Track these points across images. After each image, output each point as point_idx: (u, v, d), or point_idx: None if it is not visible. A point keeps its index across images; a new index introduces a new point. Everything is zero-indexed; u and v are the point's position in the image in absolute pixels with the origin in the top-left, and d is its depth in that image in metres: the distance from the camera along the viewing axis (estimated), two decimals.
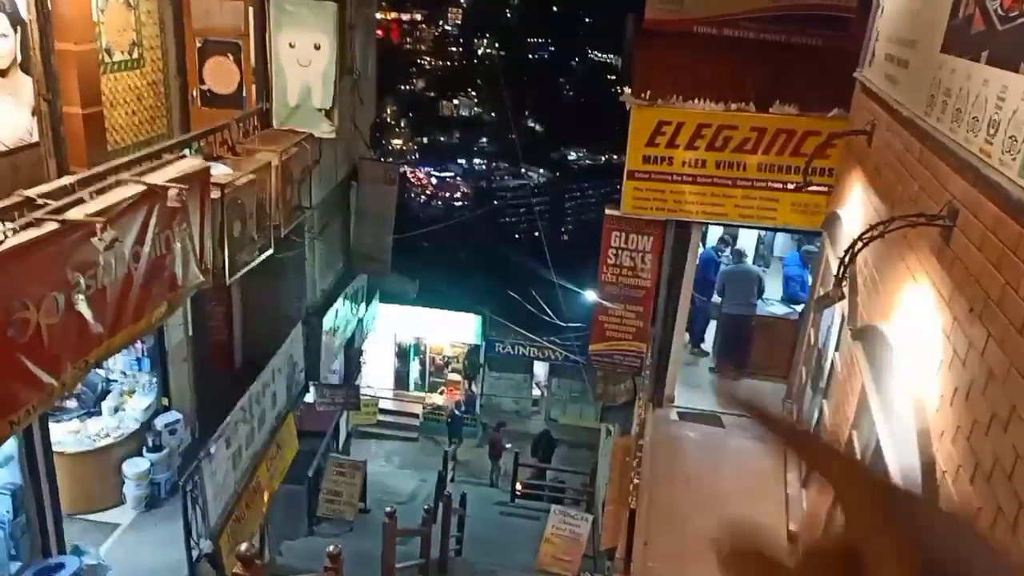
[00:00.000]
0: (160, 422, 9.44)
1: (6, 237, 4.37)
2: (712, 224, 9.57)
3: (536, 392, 20.63)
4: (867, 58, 6.23)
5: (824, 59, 7.39)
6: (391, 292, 16.66)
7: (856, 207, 5.60)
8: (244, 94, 8.41)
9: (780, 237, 11.69)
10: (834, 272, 4.10)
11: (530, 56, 56.99)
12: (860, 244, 3.50)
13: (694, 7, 8.29)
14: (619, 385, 11.69)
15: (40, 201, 4.78)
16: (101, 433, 8.92)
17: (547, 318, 17.35)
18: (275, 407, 10.41)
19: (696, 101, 7.79)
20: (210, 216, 6.45)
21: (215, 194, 6.49)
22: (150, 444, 9.31)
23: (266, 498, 10.54)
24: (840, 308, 5.35)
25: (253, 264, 7.50)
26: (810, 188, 6.77)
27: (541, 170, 49.82)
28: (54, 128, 6.33)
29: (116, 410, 9.29)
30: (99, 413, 9.13)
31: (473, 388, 19.65)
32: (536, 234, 41.06)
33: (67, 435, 8.57)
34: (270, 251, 7.80)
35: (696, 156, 7.94)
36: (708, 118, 7.78)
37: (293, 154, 7.92)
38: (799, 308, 9.52)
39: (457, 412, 18.36)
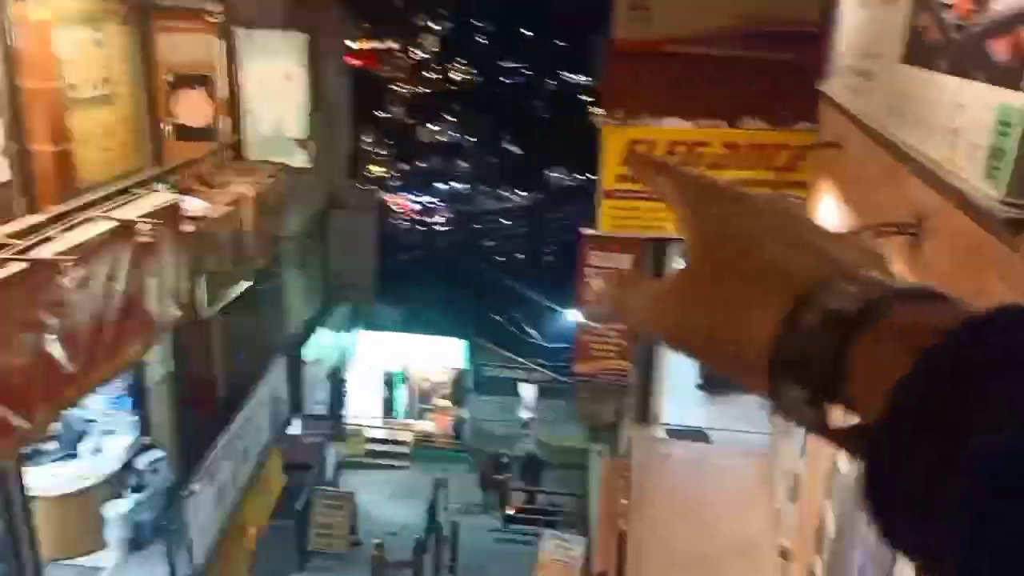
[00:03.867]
0: (142, 461, 9.27)
1: None
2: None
3: (525, 414, 20.52)
4: (831, 71, 6.31)
5: (790, 73, 7.48)
6: (374, 319, 16.59)
7: (828, 219, 5.64)
8: (217, 126, 8.38)
9: None
10: None
11: (505, 80, 57.50)
12: None
13: (662, 27, 8.38)
14: (606, 405, 11.66)
15: (6, 241, 4.71)
16: (81, 475, 8.74)
17: (532, 340, 17.34)
18: (259, 441, 10.29)
19: (668, 119, 7.85)
20: (184, 251, 6.40)
21: (188, 228, 6.45)
22: (132, 484, 9.14)
23: (253, 535, 10.38)
24: None
25: (230, 297, 7.45)
26: None
27: (522, 192, 50.05)
28: (23, 167, 6.26)
29: (96, 451, 9.11)
30: (76, 455, 8.96)
31: (462, 414, 19.52)
32: (519, 256, 41.18)
33: (46, 478, 8.38)
34: (247, 283, 7.75)
35: None
36: (680, 135, 7.84)
37: (268, 185, 7.90)
38: None
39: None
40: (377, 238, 13.00)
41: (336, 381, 13.94)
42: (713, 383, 9.80)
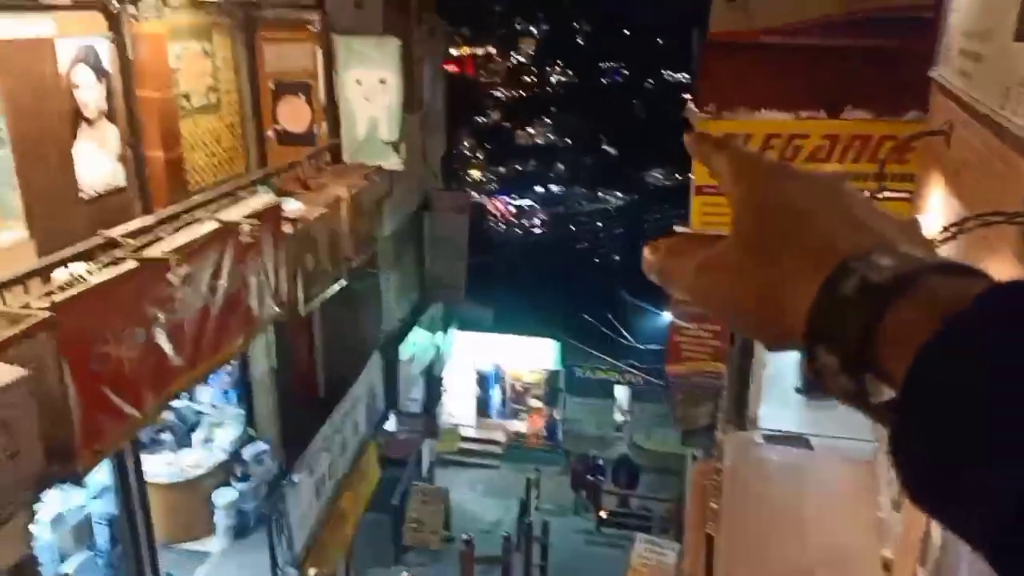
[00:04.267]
0: (248, 452, 9.74)
1: (89, 276, 4.63)
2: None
3: (619, 417, 20.27)
4: (941, 55, 5.92)
5: (898, 61, 7.07)
6: (468, 319, 16.81)
7: (937, 212, 5.28)
8: (316, 131, 8.72)
9: None
10: None
11: (603, 80, 57.11)
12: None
13: (760, 17, 8.10)
14: (699, 407, 11.35)
15: (121, 241, 5.05)
16: (192, 464, 9.27)
17: (625, 341, 17.11)
18: (356, 435, 10.60)
19: (764, 111, 7.57)
20: (283, 250, 6.67)
21: (288, 228, 6.72)
22: (238, 474, 9.61)
23: (350, 526, 10.71)
24: None
25: (327, 296, 7.71)
26: (889, 195, 6.44)
27: (617, 193, 49.55)
28: (139, 172, 6.72)
29: (206, 442, 9.64)
30: (190, 445, 9.50)
31: (554, 414, 19.49)
32: (614, 257, 40.74)
33: (161, 467, 8.94)
34: (343, 282, 8.00)
35: None
36: (777, 128, 7.55)
37: (363, 187, 8.13)
38: None
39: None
40: (471, 239, 13.16)
41: (431, 379, 14.21)
42: (814, 387, 9.36)
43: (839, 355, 0.47)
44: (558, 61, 58.54)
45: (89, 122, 6.23)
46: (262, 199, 6.58)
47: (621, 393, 19.84)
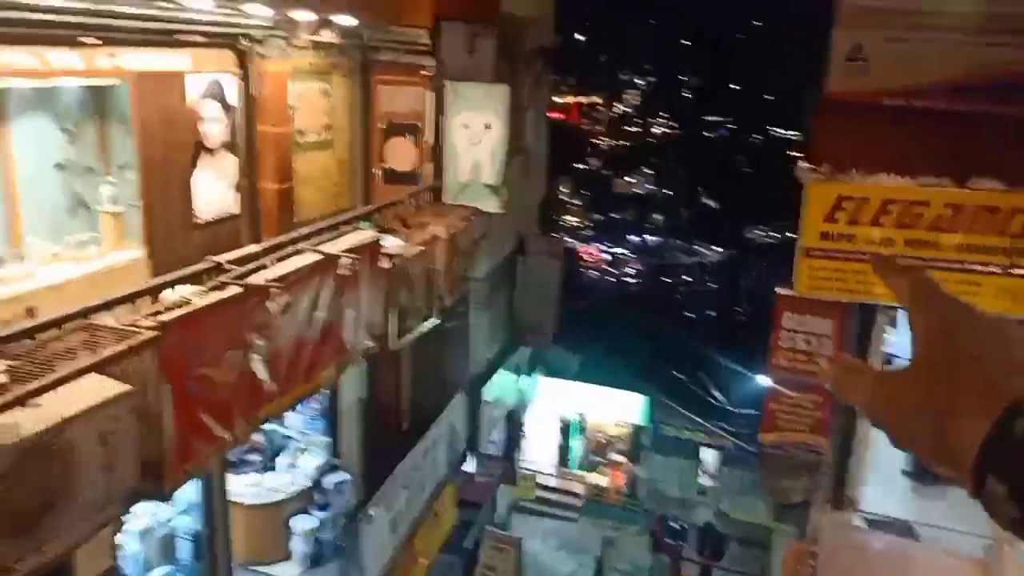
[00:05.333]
0: (329, 481, 9.83)
1: (194, 299, 4.80)
2: (899, 308, 8.69)
3: (705, 481, 19.48)
4: None
5: None
6: (555, 366, 16.65)
7: None
8: (420, 172, 8.93)
9: None
10: None
11: (707, 133, 56.60)
12: None
13: (882, 77, 7.77)
14: (794, 481, 10.72)
15: (227, 266, 5.23)
16: (275, 488, 9.43)
17: (716, 402, 16.50)
18: (435, 474, 10.57)
19: (881, 175, 7.20)
20: (380, 285, 6.77)
21: (385, 264, 6.82)
22: (319, 502, 9.70)
23: (423, 566, 10.62)
24: None
25: (419, 332, 7.76)
26: (1019, 271, 5.96)
27: (715, 247, 48.56)
28: (251, 202, 7.01)
29: (290, 467, 9.81)
30: (275, 469, 9.69)
31: (637, 471, 18.93)
32: (710, 313, 39.70)
33: (245, 487, 9.14)
34: (436, 320, 8.05)
35: (882, 234, 7.30)
36: (895, 193, 7.16)
37: (461, 228, 8.21)
38: None
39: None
40: (563, 285, 13.10)
41: (513, 423, 14.08)
42: (925, 471, 8.69)
43: (1008, 486, 0.56)
44: (662, 112, 58.49)
45: (211, 152, 6.56)
46: (363, 234, 6.73)
47: (709, 456, 19.10)
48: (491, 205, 8.87)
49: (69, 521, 3.71)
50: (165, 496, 4.64)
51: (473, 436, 11.61)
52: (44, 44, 4.93)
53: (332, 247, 6.13)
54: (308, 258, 5.82)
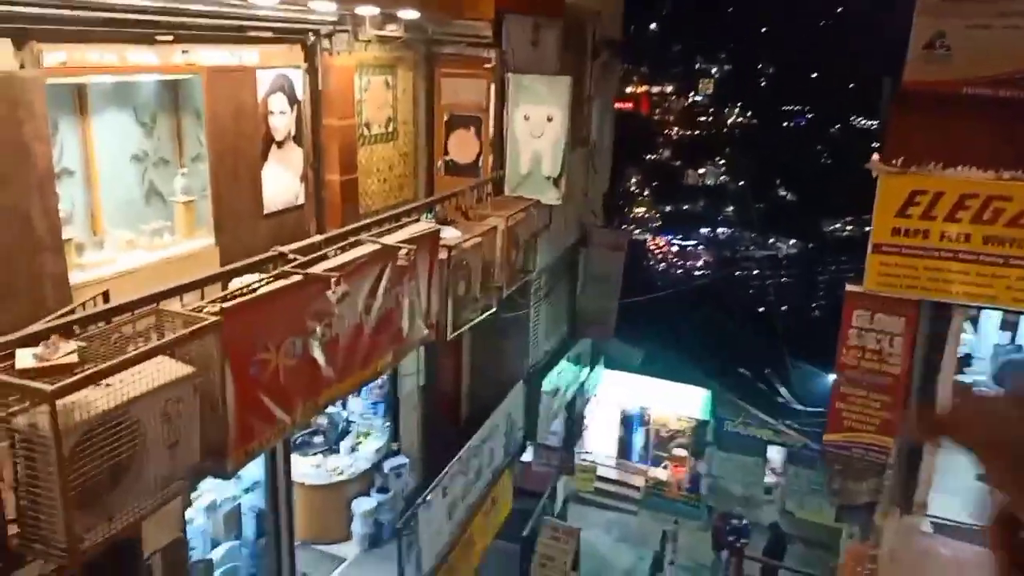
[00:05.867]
0: (388, 465, 10.08)
1: (258, 286, 5.00)
2: (977, 307, 8.32)
3: (770, 479, 19.04)
4: None
5: None
6: (616, 358, 16.54)
7: None
8: (481, 163, 9.00)
9: None
10: None
11: (784, 124, 54.96)
12: None
13: (963, 66, 7.41)
14: (861, 483, 10.39)
15: (290, 256, 5.42)
16: (337, 470, 9.73)
17: (783, 400, 16.10)
18: (493, 463, 10.68)
19: (959, 169, 6.89)
20: (437, 275, 6.88)
21: (443, 255, 6.93)
22: (378, 485, 9.96)
23: (479, 553, 10.77)
24: None
25: (475, 322, 7.85)
26: None
27: (789, 241, 47.23)
28: (316, 193, 7.22)
29: (352, 450, 10.10)
30: (337, 451, 9.98)
31: (699, 467, 18.67)
32: (781, 308, 38.68)
33: (309, 468, 9.46)
34: (493, 310, 8.12)
35: (959, 230, 6.99)
36: (974, 187, 6.84)
37: (520, 219, 8.25)
38: None
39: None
40: (627, 277, 13.00)
41: (572, 415, 14.09)
42: None
43: None
44: (737, 102, 57.08)
45: (278, 144, 6.78)
46: (423, 225, 6.84)
47: (774, 454, 18.65)
48: (551, 197, 8.88)
49: (136, 495, 3.93)
50: (227, 474, 4.84)
51: (532, 426, 11.67)
52: (123, 42, 5.20)
53: (392, 238, 6.26)
54: (368, 248, 5.96)
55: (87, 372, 3.61)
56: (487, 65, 8.91)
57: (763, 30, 55.65)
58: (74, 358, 3.69)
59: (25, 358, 3.58)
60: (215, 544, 7.98)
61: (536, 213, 8.62)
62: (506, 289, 8.24)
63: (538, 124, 8.64)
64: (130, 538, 4.27)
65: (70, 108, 5.52)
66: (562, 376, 12.48)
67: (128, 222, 6.05)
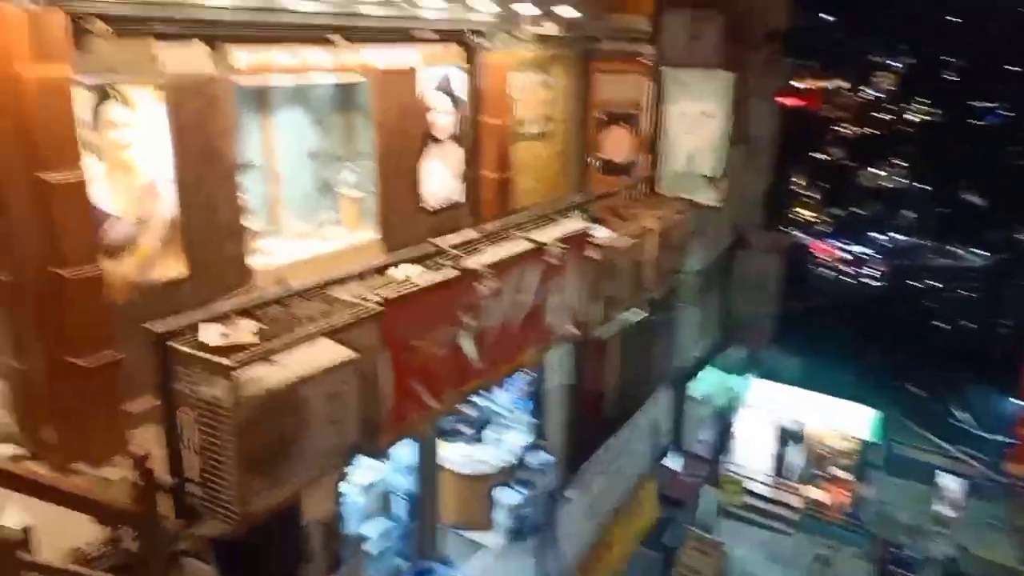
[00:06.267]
0: (532, 460, 10.19)
1: (416, 278, 5.22)
2: None
3: (944, 510, 17.43)
4: None
5: None
6: (771, 368, 15.76)
7: None
8: (636, 162, 8.88)
9: None
10: None
11: (975, 122, 50.00)
12: None
13: None
14: None
15: (446, 250, 5.61)
16: (482, 459, 9.96)
17: (961, 424, 14.69)
18: (635, 466, 10.54)
19: None
20: (586, 274, 6.87)
21: (593, 254, 6.90)
22: (521, 479, 10.09)
23: (621, 556, 10.65)
24: None
25: (624, 323, 7.77)
26: None
27: (977, 250, 42.91)
28: (473, 190, 7.43)
29: (497, 442, 10.30)
30: (482, 441, 10.22)
31: (862, 490, 17.41)
32: (964, 324, 35.24)
33: (455, 455, 9.74)
34: (642, 312, 8.01)
35: None
36: None
37: (674, 220, 8.06)
38: None
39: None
40: (788, 283, 12.36)
41: (722, 425, 13.59)
42: None
43: None
44: (920, 97, 52.62)
45: (438, 142, 7.04)
46: (574, 224, 6.85)
47: (948, 482, 17.06)
48: (708, 197, 8.60)
49: (299, 466, 4.23)
50: (380, 453, 5.11)
51: (677, 432, 11.39)
52: (300, 43, 5.60)
53: (543, 235, 6.32)
54: (519, 245, 6.05)
55: (263, 350, 3.92)
56: (643, 61, 8.77)
57: (948, 19, 50.87)
58: (254, 337, 4.02)
59: (209, 334, 3.95)
60: (367, 519, 8.42)
61: (691, 214, 8.39)
62: (656, 291, 8.09)
63: (695, 121, 8.41)
64: (291, 506, 4.59)
65: (255, 107, 6.03)
66: (712, 383, 12.08)
67: (302, 214, 6.52)
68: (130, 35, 4.47)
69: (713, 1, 9.20)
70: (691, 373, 11.48)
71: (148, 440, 4.04)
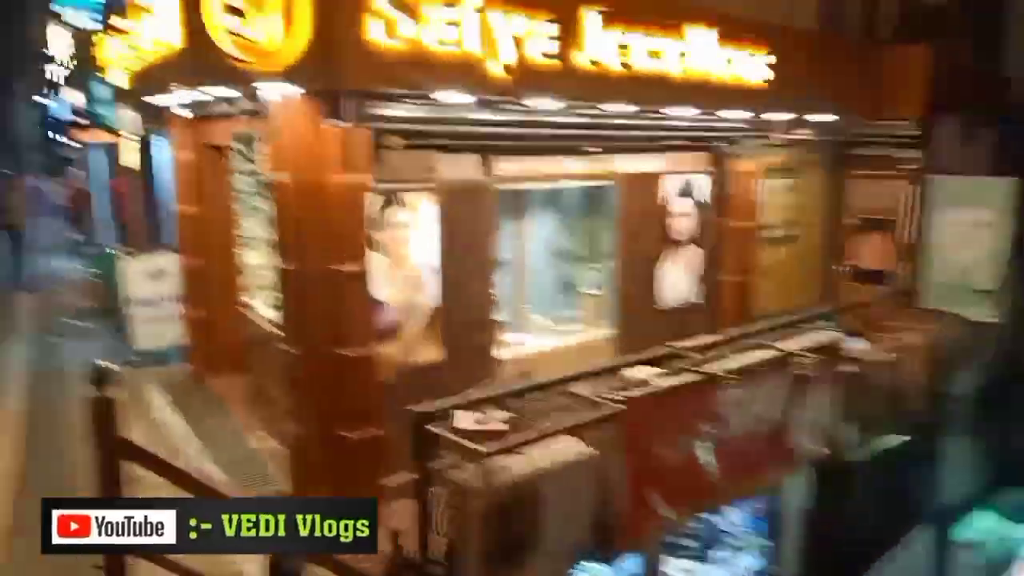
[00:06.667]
0: None
1: (655, 380, 5.14)
2: None
3: None
4: None
5: None
6: None
7: None
8: (893, 271, 8.21)
9: None
10: None
11: None
12: None
13: None
14: None
15: (683, 353, 5.49)
16: None
17: None
18: None
19: None
20: (838, 390, 6.35)
21: (846, 368, 6.39)
22: None
23: None
24: None
25: (879, 447, 7.03)
26: None
27: None
28: (711, 292, 7.29)
29: (725, 562, 9.57)
30: (708, 561, 9.55)
31: None
32: None
33: (678, 571, 9.18)
34: (901, 438, 7.20)
35: None
36: None
37: (940, 337, 7.27)
38: None
39: None
40: None
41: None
42: None
43: None
44: None
45: (679, 244, 7.05)
46: (824, 334, 6.41)
47: None
48: (981, 313, 7.68)
49: (531, 561, 4.22)
50: (607, 559, 4.96)
51: None
52: (558, 154, 5.97)
53: (790, 344, 5.98)
54: (764, 353, 5.77)
55: (514, 440, 4.05)
56: (905, 166, 8.21)
57: None
58: (504, 426, 4.18)
59: (463, 419, 4.16)
60: None
61: (963, 331, 7.52)
62: (919, 415, 7.25)
63: (968, 231, 7.63)
64: None
65: (511, 209, 6.48)
66: (984, 529, 10.39)
67: (543, 309, 6.78)
68: (415, 147, 5.06)
69: (992, 104, 8.45)
70: (958, 514, 9.97)
71: (402, 515, 4.28)
